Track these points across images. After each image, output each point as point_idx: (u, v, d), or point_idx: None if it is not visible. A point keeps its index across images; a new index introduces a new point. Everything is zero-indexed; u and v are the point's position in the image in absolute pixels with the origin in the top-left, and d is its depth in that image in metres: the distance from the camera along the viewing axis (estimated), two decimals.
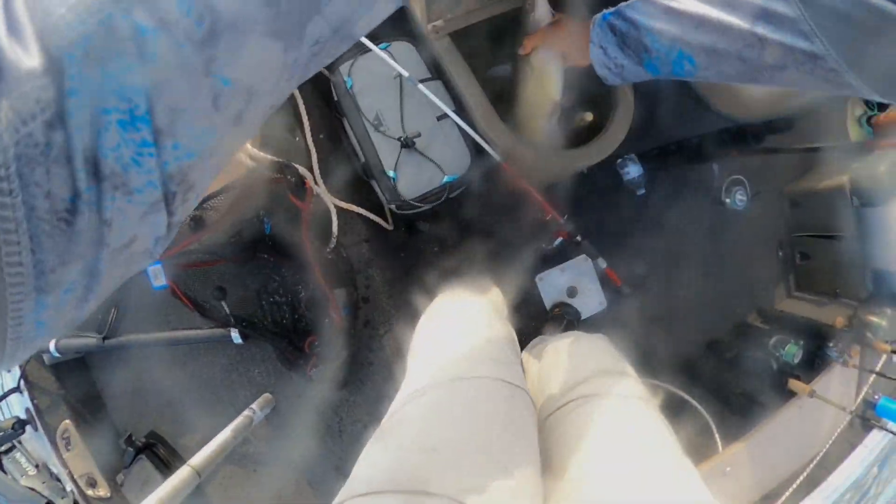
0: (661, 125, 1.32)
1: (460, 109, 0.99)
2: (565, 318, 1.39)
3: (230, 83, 0.27)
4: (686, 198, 1.48)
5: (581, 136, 1.04)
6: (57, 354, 1.11)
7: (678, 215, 1.47)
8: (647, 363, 1.34)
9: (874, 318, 1.34)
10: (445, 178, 0.98)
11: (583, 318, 1.44)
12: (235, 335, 1.08)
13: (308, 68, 0.34)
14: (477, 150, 1.00)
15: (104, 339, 1.12)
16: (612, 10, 0.73)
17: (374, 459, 0.52)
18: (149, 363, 1.19)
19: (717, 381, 1.42)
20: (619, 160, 1.40)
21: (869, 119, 1.99)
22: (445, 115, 0.97)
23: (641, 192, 1.43)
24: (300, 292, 1.11)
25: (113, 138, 0.24)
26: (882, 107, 1.99)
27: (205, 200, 1.00)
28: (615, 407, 0.65)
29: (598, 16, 0.76)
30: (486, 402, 0.58)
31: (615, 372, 0.74)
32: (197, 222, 1.01)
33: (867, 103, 2.02)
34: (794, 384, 1.21)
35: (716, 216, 1.51)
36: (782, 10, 0.51)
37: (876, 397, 1.21)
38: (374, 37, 1.03)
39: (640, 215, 1.46)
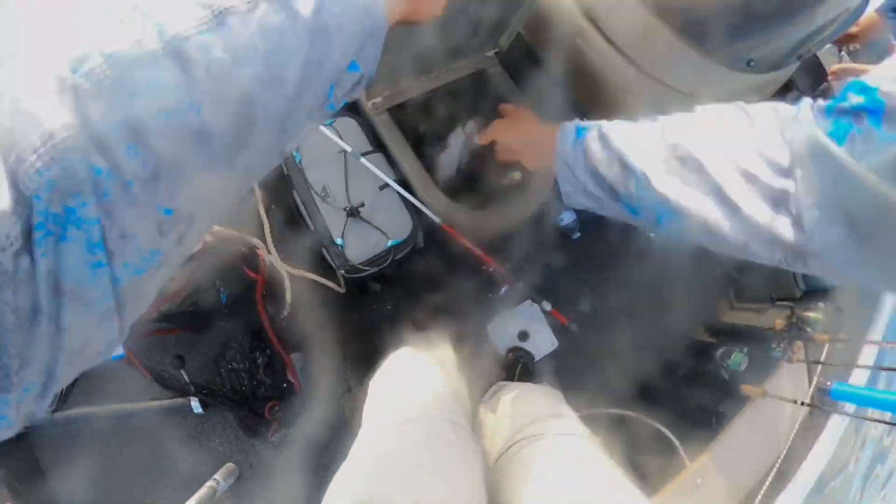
0: None
1: (401, 178, 1.08)
2: (519, 362, 1.45)
3: (172, 212, 0.32)
4: (618, 235, 1.60)
5: (512, 194, 1.14)
6: None
7: (614, 252, 1.58)
8: (605, 393, 1.42)
9: (811, 314, 1.46)
10: (390, 243, 1.06)
11: (536, 359, 1.51)
12: (195, 404, 1.09)
13: (241, 190, 0.40)
14: (418, 214, 1.08)
15: (53, 412, 1.08)
16: (589, 125, 0.61)
17: (344, 481, 0.61)
18: (102, 437, 1.16)
19: (675, 399, 1.50)
20: (557, 206, 1.51)
21: None
22: (387, 185, 1.06)
23: (577, 235, 1.54)
24: (258, 358, 1.14)
25: (72, 261, 0.28)
26: None
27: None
28: (555, 444, 0.72)
29: (570, 126, 0.64)
30: (436, 438, 0.67)
31: (555, 414, 0.81)
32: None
33: None
34: (746, 389, 1.28)
35: (651, 247, 1.62)
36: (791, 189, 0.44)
37: (828, 384, 1.29)
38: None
39: (580, 256, 1.56)
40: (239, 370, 1.17)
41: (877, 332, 1.64)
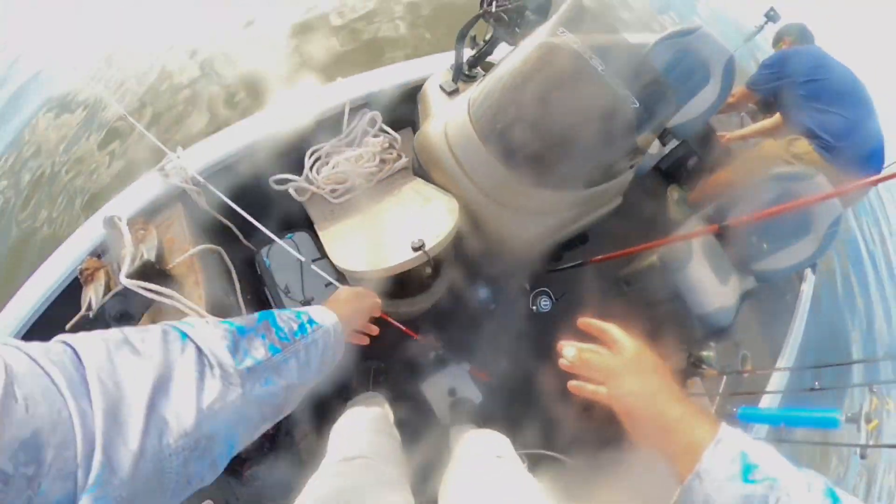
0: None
1: (341, 278, 1.47)
2: (463, 408, 1.79)
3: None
4: (526, 306, 1.96)
5: (425, 282, 1.54)
6: None
7: (526, 319, 1.94)
8: (525, 432, 1.71)
9: (705, 353, 1.79)
10: None
11: (466, 409, 1.86)
12: None
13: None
14: None
15: None
16: (760, 460, 0.49)
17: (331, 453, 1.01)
18: None
19: (581, 437, 1.73)
20: (472, 286, 1.90)
21: (685, 199, 2.67)
22: (331, 283, 1.45)
23: (493, 306, 1.92)
24: None
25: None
26: (692, 186, 2.64)
27: None
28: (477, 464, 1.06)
29: (733, 443, 0.50)
30: (382, 436, 1.09)
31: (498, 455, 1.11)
32: None
33: (681, 186, 2.68)
34: None
35: (565, 313, 1.99)
36: None
37: (734, 410, 1.47)
38: (284, 228, 1.53)
39: (497, 324, 1.91)
40: None
41: (784, 360, 1.99)
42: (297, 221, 1.57)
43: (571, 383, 0.68)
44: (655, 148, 2.25)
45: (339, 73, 1.66)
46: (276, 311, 0.65)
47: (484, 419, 1.83)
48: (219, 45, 3.52)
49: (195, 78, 3.45)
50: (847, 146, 2.25)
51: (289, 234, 1.53)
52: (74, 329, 1.25)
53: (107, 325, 1.24)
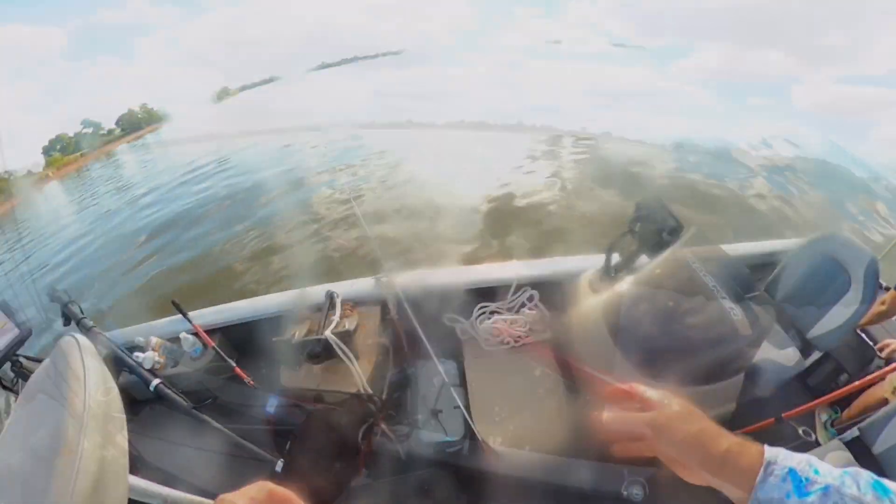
0: None
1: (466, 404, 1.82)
2: None
3: None
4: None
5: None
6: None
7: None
8: None
9: None
10: (445, 438, 1.77)
11: None
12: (280, 464, 1.52)
13: None
14: (471, 432, 1.75)
15: (193, 407, 1.52)
16: (806, 474, 0.54)
17: None
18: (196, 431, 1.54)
19: None
20: (626, 482, 1.70)
21: (833, 422, 2.32)
22: (458, 406, 1.80)
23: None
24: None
25: None
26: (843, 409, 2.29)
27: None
28: None
29: (780, 468, 0.54)
30: None
31: None
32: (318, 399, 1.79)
33: (832, 407, 2.36)
34: None
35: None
36: None
37: None
38: (441, 353, 1.96)
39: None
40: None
41: None
42: (453, 352, 2.01)
43: (617, 446, 0.66)
44: (794, 360, 2.12)
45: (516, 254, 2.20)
46: None
47: None
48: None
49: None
50: None
51: (444, 359, 1.97)
52: (278, 344, 1.82)
53: (296, 352, 1.79)
